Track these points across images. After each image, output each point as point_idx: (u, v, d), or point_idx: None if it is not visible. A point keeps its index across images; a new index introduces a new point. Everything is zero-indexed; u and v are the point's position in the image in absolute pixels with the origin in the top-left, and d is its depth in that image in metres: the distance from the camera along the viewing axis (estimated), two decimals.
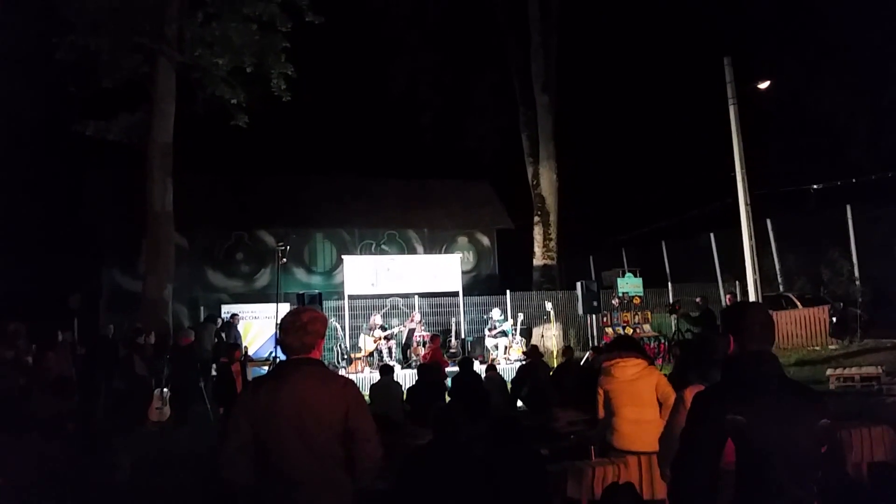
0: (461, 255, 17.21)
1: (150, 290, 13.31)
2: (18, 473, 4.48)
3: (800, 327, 14.30)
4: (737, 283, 15.97)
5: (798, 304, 14.81)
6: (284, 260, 12.61)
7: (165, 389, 10.09)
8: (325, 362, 3.90)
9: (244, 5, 13.31)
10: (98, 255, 17.81)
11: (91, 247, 18.00)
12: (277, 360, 11.92)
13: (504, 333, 15.02)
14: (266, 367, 13.09)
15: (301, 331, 2.89)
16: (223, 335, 13.58)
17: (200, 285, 18.18)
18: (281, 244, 12.45)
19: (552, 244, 20.82)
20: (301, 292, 14.91)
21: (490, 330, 15.14)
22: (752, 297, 13.78)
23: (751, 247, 14.06)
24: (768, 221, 16.62)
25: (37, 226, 20.33)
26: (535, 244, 20.99)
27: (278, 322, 10.97)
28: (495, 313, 15.36)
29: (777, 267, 16.85)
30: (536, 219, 21.04)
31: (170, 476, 7.03)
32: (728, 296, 14.62)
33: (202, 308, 16.10)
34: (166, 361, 10.66)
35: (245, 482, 2.76)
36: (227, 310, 15.14)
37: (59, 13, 12.51)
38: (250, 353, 14.03)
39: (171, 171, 13.61)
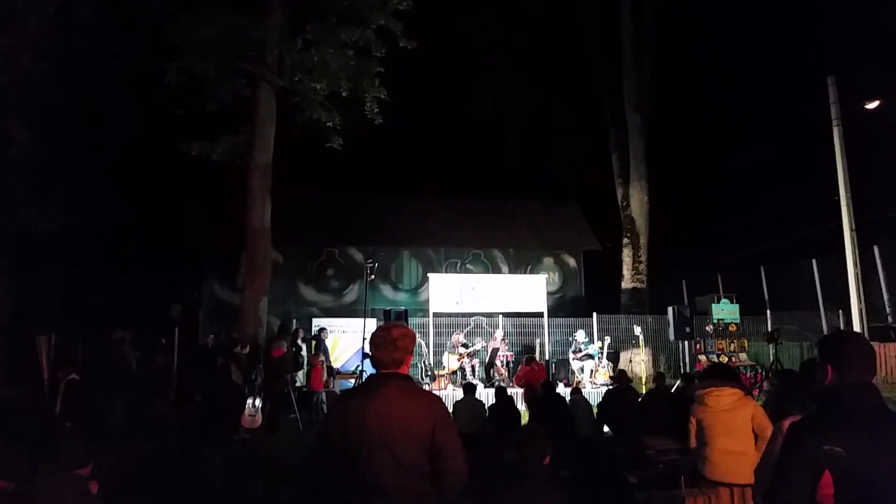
0: (547, 275, 17.07)
1: (247, 303, 13.83)
2: (119, 474, 4.75)
3: None
4: (840, 312, 15.10)
5: None
6: (373, 276, 12.93)
7: (258, 399, 10.49)
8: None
9: (341, 32, 13.80)
10: (199, 269, 18.77)
11: (193, 261, 18.97)
12: (364, 373, 12.20)
13: (590, 356, 14.73)
14: (353, 381, 13.39)
15: (391, 346, 2.98)
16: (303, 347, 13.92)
17: (293, 299, 18.81)
18: (369, 261, 12.82)
19: (642, 267, 20.32)
20: (387, 308, 15.16)
21: (575, 352, 14.91)
22: (856, 328, 13.03)
23: (856, 274, 13.35)
24: (875, 248, 15.66)
25: (145, 240, 21.58)
26: (624, 266, 20.54)
27: (366, 336, 11.24)
28: (580, 335, 15.10)
29: (885, 297, 15.83)
30: (626, 241, 20.61)
31: (259, 481, 7.30)
32: (830, 325, 13.85)
33: (294, 321, 16.65)
34: (259, 371, 11.09)
35: (333, 490, 2.86)
36: (317, 323, 15.59)
37: (168, 40, 13.32)
38: (337, 366, 14.40)
39: (270, 189, 14.19)
